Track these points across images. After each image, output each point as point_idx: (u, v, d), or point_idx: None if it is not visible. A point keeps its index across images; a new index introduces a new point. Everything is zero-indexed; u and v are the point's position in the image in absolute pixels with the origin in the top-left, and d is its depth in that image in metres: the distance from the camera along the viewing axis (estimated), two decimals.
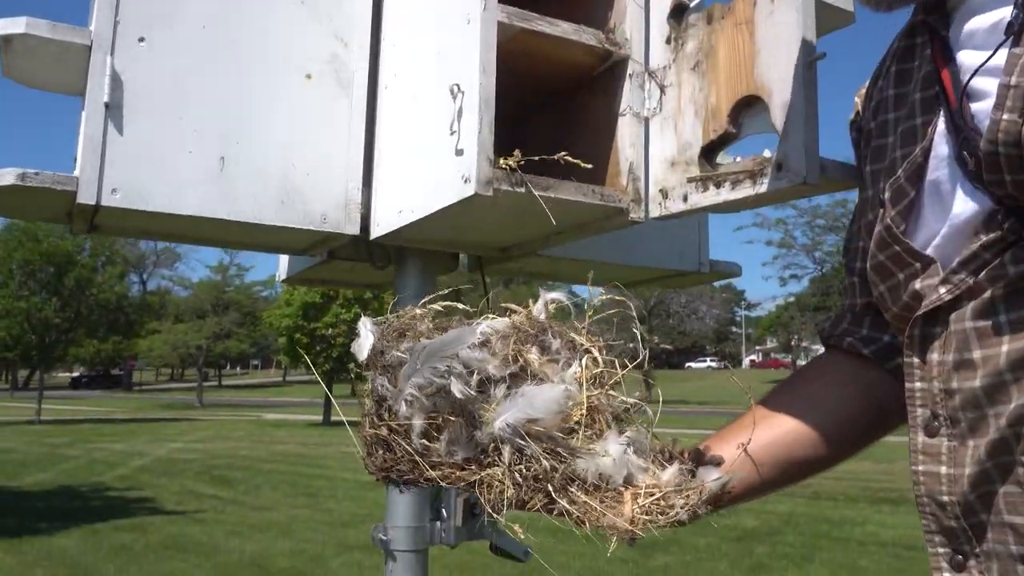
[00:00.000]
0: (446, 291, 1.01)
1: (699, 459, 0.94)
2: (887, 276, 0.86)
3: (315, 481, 13.61)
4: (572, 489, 0.83)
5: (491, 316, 0.92)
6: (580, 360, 0.88)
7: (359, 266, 1.56)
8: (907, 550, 8.50)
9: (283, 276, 1.73)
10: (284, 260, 1.76)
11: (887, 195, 0.84)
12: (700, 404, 39.95)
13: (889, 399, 0.97)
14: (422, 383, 0.83)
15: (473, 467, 0.84)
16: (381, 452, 0.89)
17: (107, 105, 1.20)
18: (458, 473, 0.84)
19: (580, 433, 0.85)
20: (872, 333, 1.00)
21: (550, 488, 0.82)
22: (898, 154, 0.85)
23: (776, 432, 0.99)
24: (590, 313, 0.94)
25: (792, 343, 72.19)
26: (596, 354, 0.90)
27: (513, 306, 0.95)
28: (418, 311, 0.94)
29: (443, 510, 1.37)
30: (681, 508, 0.85)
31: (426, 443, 0.85)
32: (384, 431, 0.88)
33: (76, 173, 1.19)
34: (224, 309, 48.68)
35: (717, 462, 0.94)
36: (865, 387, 1.00)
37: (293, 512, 10.57)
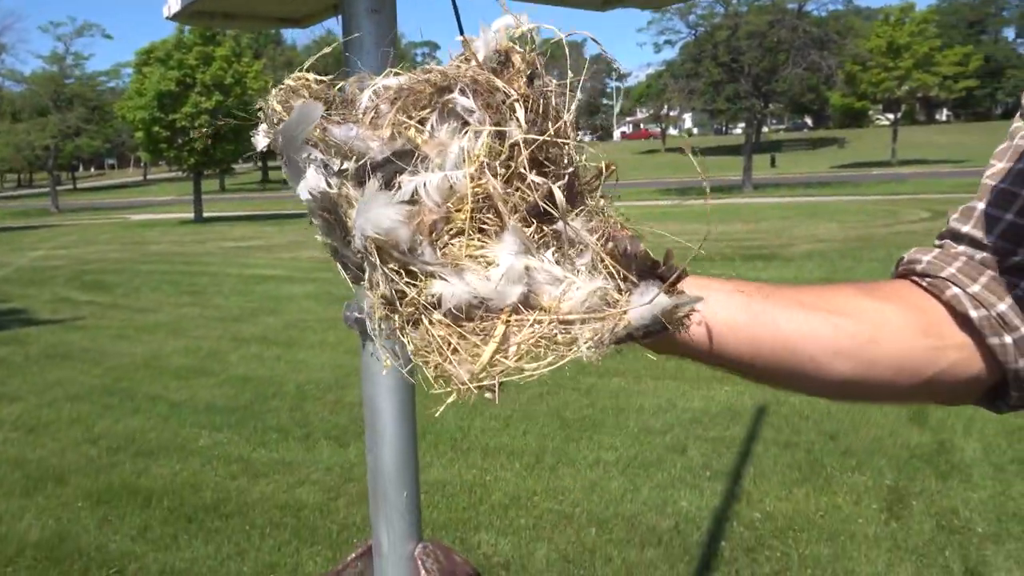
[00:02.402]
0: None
1: (648, 269, 0.63)
2: None
3: (198, 279, 13.17)
4: (432, 318, 0.62)
5: (395, 72, 0.67)
6: (482, 127, 0.62)
7: None
8: None
9: (175, 9, 1.33)
10: None
11: None
12: None
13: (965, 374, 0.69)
14: (289, 173, 0.65)
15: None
16: None
17: None
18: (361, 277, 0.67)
19: (464, 238, 0.62)
20: (988, 296, 0.69)
21: (396, 319, 0.63)
22: None
23: (802, 305, 0.70)
24: (526, 44, 0.65)
25: (663, 113, 73.22)
26: (519, 111, 0.62)
27: (469, 39, 0.66)
28: (295, 80, 0.69)
29: None
30: (585, 342, 0.60)
31: (331, 241, 0.67)
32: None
33: None
34: (67, 104, 44.64)
35: (666, 275, 0.61)
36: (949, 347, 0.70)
37: (179, 311, 10.23)
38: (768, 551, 3.51)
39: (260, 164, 67.71)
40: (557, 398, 5.80)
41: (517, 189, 0.61)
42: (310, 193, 0.63)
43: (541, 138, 0.62)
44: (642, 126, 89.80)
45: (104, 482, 4.56)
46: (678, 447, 4.77)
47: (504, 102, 0.62)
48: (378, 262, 0.61)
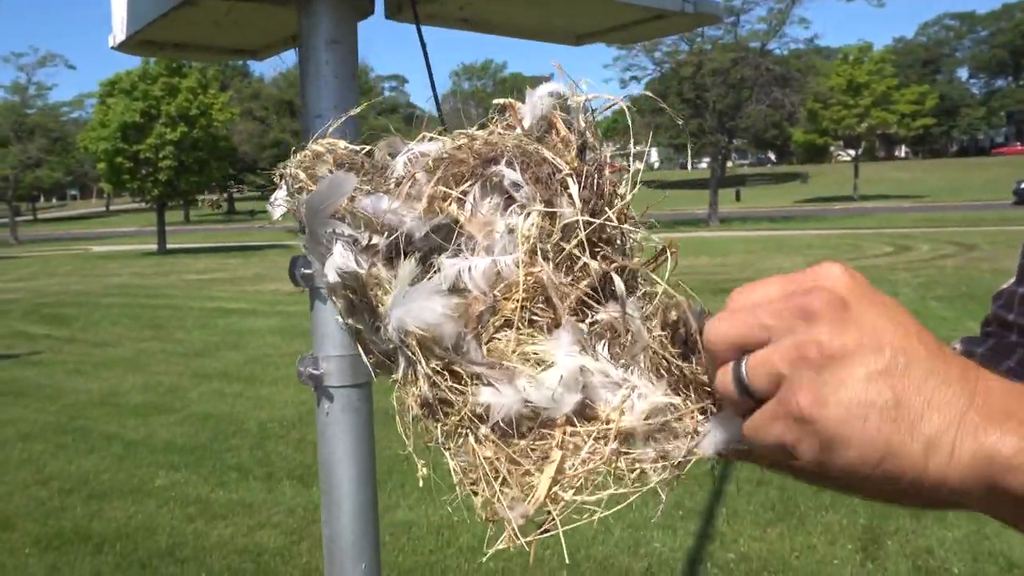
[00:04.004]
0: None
1: None
2: None
3: (159, 312, 12.91)
4: (479, 434, 0.54)
5: (430, 136, 0.61)
6: (534, 206, 0.55)
7: (237, 10, 1.11)
8: None
9: (120, 38, 1.24)
10: (120, 11, 1.27)
11: None
12: None
13: None
14: (311, 247, 0.60)
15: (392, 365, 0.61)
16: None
17: None
18: (387, 365, 0.61)
19: (513, 332, 0.53)
20: None
21: (438, 431, 0.56)
22: None
23: None
24: (583, 113, 0.60)
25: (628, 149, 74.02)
26: (572, 187, 0.55)
27: (513, 103, 0.61)
28: (322, 145, 0.64)
29: None
30: (654, 468, 0.51)
31: (353, 323, 0.62)
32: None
33: None
34: (28, 135, 44.02)
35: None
36: None
37: (140, 346, 9.98)
38: None
39: (226, 196, 67.14)
40: None
41: (568, 274, 0.54)
42: (338, 273, 0.57)
43: (598, 222, 0.55)
44: (610, 160, 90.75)
45: (54, 527, 4.36)
46: None
47: (553, 175, 0.55)
48: (420, 360, 0.53)
